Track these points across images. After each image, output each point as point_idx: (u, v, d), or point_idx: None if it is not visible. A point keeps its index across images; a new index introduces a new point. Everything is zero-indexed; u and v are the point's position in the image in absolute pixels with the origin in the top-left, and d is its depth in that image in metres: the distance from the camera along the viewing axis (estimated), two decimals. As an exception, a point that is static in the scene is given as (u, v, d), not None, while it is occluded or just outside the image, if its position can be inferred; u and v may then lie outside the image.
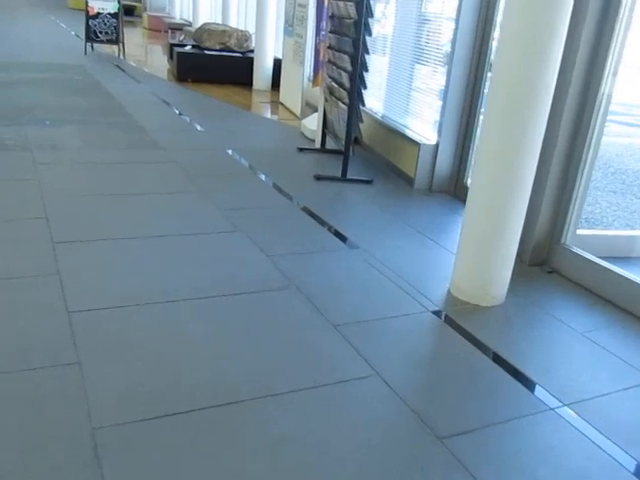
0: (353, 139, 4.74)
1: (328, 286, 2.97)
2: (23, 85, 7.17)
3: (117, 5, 10.73)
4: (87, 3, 10.64)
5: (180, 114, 6.61)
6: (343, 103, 4.74)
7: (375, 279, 3.11)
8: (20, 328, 2.32)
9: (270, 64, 8.68)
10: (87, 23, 10.53)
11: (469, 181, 4.67)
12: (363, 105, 4.73)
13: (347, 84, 4.63)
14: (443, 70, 4.66)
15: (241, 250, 3.27)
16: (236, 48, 9.29)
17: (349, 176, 4.78)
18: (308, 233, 3.65)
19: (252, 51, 9.03)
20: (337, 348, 2.44)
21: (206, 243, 3.31)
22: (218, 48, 9.19)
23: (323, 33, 5.33)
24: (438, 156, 4.70)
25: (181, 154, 4.98)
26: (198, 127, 6.03)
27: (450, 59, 4.46)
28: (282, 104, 7.78)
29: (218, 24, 10.26)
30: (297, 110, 7.14)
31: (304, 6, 6.83)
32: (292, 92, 7.43)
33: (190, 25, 14.16)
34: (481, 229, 2.94)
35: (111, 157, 4.68)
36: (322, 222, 3.84)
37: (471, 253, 3.01)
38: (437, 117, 4.74)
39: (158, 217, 3.60)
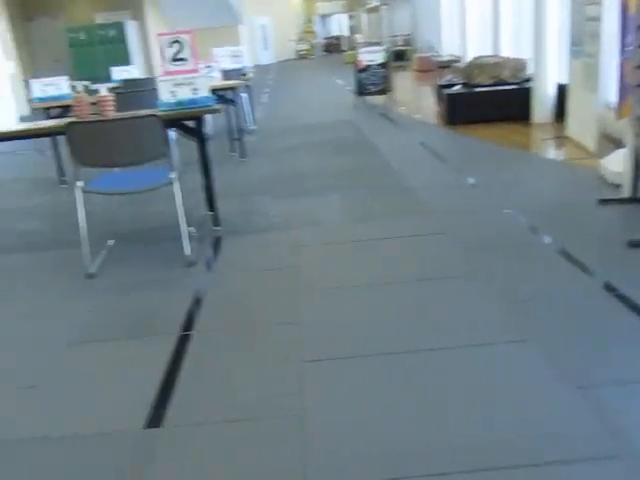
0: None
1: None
2: (299, 149, 7.30)
3: (385, 55, 10.68)
4: (356, 57, 10.83)
5: (450, 165, 5.92)
6: (668, 140, 3.48)
7: None
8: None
9: (552, 92, 7.47)
10: (357, 77, 10.68)
11: None
12: (701, 141, 3.40)
13: (674, 115, 3.37)
14: None
15: (539, 379, 2.32)
16: (510, 79, 8.30)
17: (682, 239, 3.46)
18: (633, 342, 2.55)
19: (528, 80, 7.95)
20: None
21: (488, 364, 2.45)
22: (491, 82, 8.32)
23: (630, 49, 4.11)
24: None
25: (451, 219, 4.25)
26: (470, 180, 5.24)
27: None
28: (570, 139, 6.53)
29: (490, 56, 9.41)
30: (591, 146, 5.85)
31: (596, 19, 5.59)
32: (583, 124, 6.14)
33: (458, 60, 13.56)
34: None
35: (374, 231, 4.17)
36: (653, 320, 2.69)
37: None
38: None
39: (424, 318, 2.89)
